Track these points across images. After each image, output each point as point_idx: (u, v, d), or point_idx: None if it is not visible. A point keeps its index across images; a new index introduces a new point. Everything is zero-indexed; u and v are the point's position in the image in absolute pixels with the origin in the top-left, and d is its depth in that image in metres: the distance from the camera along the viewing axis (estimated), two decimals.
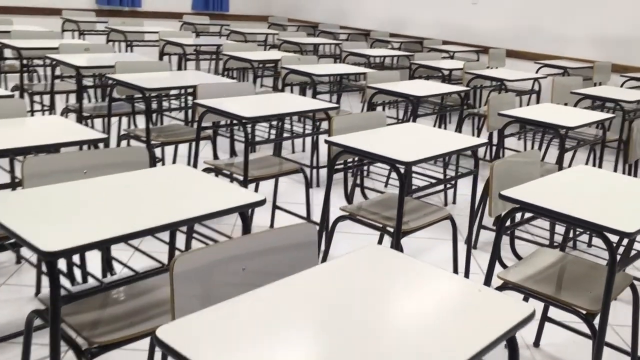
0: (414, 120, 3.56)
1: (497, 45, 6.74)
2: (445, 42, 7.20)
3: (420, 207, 2.60)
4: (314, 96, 4.13)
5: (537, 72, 5.92)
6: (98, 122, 4.45)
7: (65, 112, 3.91)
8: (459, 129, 4.17)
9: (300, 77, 4.25)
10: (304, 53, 6.39)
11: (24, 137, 2.00)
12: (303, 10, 9.14)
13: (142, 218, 1.42)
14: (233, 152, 3.65)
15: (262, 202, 1.58)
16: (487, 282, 1.97)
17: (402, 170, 2.20)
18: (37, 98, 4.67)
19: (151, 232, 1.39)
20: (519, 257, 2.17)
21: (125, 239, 1.34)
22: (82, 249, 1.26)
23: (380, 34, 7.79)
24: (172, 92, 3.45)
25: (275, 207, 3.50)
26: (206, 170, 2.90)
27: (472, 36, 7.03)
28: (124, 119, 4.81)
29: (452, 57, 6.59)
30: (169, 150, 4.23)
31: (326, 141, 2.32)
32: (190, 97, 3.74)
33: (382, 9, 8.00)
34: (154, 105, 3.81)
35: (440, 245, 3.29)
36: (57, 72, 3.92)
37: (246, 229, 1.70)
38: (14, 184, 2.15)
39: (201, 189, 1.64)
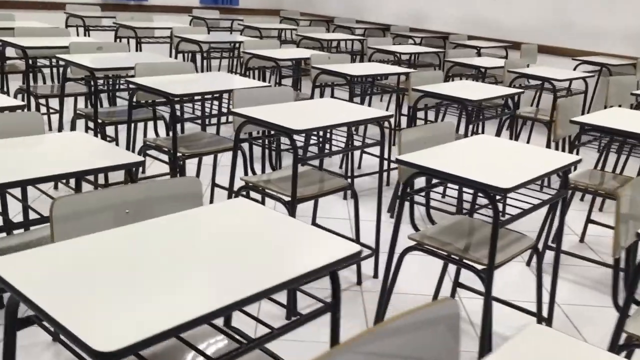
0: (470, 128, 3.19)
1: (525, 41, 6.37)
2: (470, 37, 6.82)
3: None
4: (351, 99, 3.76)
5: (574, 69, 5.55)
6: (111, 129, 4.07)
7: (76, 118, 3.54)
8: (513, 136, 3.80)
9: (330, 77, 3.88)
10: (325, 50, 6.01)
11: (45, 162, 1.64)
12: (316, 3, 8.74)
13: (225, 285, 1.07)
14: (273, 165, 3.28)
15: (358, 255, 1.23)
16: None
17: (496, 197, 1.85)
18: (42, 100, 4.30)
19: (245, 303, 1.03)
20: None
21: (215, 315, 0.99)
22: (150, 342, 0.90)
23: (400, 28, 7.41)
24: (198, 97, 3.07)
25: (315, 225, 3.19)
26: (244, 187, 2.58)
27: (498, 31, 6.65)
28: (140, 125, 4.44)
29: (479, 54, 6.22)
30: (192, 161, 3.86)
31: (397, 160, 2.03)
32: (216, 102, 3.37)
33: (401, 2, 7.62)
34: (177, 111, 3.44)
35: None
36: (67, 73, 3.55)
37: (335, 293, 1.32)
38: (28, 223, 1.78)
39: (285, 236, 1.29)
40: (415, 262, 2.98)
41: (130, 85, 2.88)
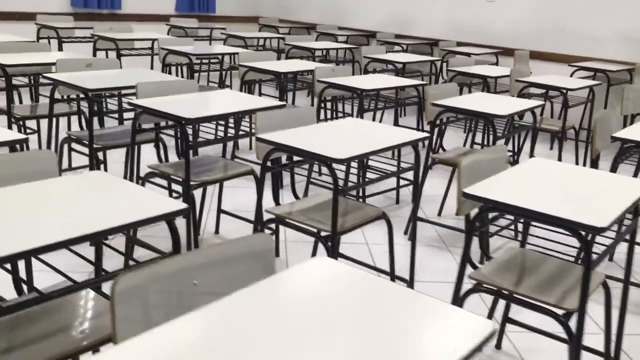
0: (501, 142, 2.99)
1: (514, 46, 6.26)
2: (459, 44, 6.68)
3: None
4: (360, 114, 3.53)
5: (571, 75, 5.45)
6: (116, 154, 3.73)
7: (68, 141, 3.22)
8: (533, 151, 3.62)
9: (333, 90, 3.64)
10: (312, 59, 5.78)
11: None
12: (294, 10, 8.51)
13: (53, 229, 1.28)
14: (296, 194, 3.02)
15: (186, 211, 1.43)
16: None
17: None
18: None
19: (65, 244, 1.23)
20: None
21: (34, 253, 1.18)
22: None
23: (386, 35, 7.23)
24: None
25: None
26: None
27: (488, 37, 6.53)
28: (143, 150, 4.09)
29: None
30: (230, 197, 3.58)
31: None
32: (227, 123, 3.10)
33: (385, 8, 7.44)
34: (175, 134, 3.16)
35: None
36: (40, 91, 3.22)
37: (175, 241, 1.54)
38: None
39: (123, 197, 1.50)
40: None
41: (137, 110, 2.60)
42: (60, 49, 5.59)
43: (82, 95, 3.30)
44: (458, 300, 1.90)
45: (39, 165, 1.66)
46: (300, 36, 6.48)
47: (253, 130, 2.60)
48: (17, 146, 1.93)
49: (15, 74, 3.60)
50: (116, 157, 4.23)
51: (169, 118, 2.51)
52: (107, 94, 3.33)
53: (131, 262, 2.69)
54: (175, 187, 3.38)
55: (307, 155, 2.10)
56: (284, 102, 2.81)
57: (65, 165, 3.90)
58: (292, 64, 4.24)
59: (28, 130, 4.21)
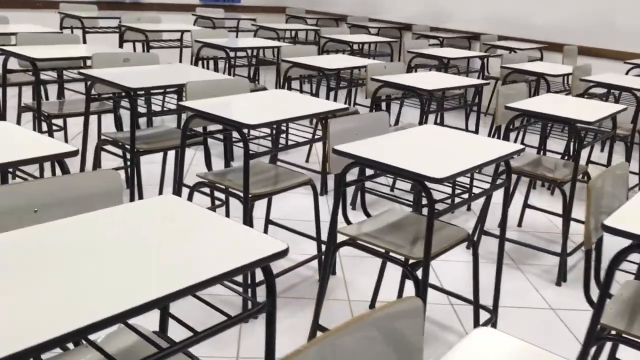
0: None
1: (560, 41, 5.92)
2: (501, 38, 6.34)
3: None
4: (424, 118, 3.23)
5: (626, 73, 5.11)
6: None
7: (103, 143, 2.94)
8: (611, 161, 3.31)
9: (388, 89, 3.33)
10: (356, 54, 5.46)
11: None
12: (322, 0, 8.18)
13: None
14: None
15: (285, 253, 1.17)
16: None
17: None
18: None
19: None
20: (367, 214, 2.20)
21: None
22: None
23: (421, 27, 6.90)
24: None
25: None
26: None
27: (530, 31, 6.18)
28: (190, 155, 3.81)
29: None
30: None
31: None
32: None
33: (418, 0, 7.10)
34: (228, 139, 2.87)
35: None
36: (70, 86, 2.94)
37: (270, 284, 1.25)
38: None
39: (203, 234, 1.21)
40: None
41: (188, 112, 2.31)
42: (84, 39, 5.31)
43: (117, 92, 3.02)
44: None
45: (103, 187, 1.37)
46: (333, 28, 6.17)
47: (317, 136, 2.33)
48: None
49: (44, 68, 3.33)
50: (148, 158, 3.95)
51: (228, 123, 2.22)
52: (145, 92, 3.04)
53: None
54: (218, 193, 3.09)
55: (399, 174, 1.82)
56: (350, 106, 2.53)
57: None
58: (337, 60, 3.94)
59: (54, 127, 3.94)
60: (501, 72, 4.34)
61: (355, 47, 5.37)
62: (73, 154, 1.65)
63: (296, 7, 8.33)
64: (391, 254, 1.95)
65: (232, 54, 4.25)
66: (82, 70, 2.74)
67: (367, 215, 2.27)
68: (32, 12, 6.05)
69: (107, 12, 6.11)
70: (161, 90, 2.90)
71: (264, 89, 3.19)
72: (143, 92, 2.88)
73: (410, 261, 1.92)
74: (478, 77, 5.61)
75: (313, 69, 3.72)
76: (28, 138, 1.72)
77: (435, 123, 3.44)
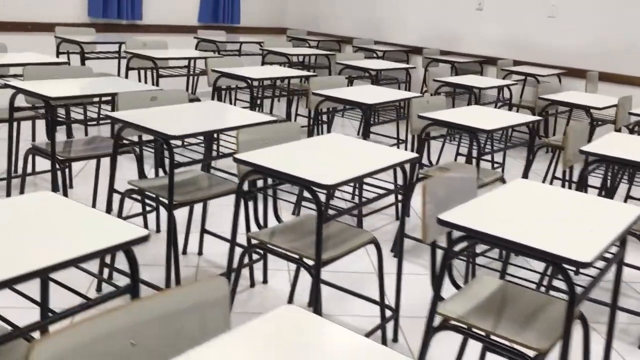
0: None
1: (578, 66, 5.74)
2: (516, 63, 6.14)
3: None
4: (479, 163, 2.96)
5: None
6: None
7: (129, 193, 2.60)
8: None
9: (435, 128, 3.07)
10: (366, 79, 5.19)
11: None
12: (324, 22, 7.92)
13: None
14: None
15: (145, 239, 1.32)
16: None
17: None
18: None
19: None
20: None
21: None
22: None
23: (432, 51, 6.68)
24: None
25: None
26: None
27: (547, 55, 5.99)
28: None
29: (538, 82, 5.55)
30: None
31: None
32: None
33: (428, 22, 6.88)
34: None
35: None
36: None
37: (134, 274, 1.38)
38: None
39: (72, 223, 1.36)
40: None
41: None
42: (82, 64, 4.95)
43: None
44: (427, 339, 1.80)
45: None
46: (347, 54, 5.91)
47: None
48: None
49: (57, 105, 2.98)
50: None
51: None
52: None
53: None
54: (149, 200, 3.00)
55: (291, 181, 1.96)
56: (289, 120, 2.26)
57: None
58: (374, 93, 3.65)
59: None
60: (536, 103, 4.10)
61: (366, 74, 5.10)
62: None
63: (297, 28, 8.06)
64: (291, 254, 2.11)
65: (255, 84, 3.94)
66: (110, 114, 2.40)
67: (279, 221, 2.43)
68: (24, 35, 5.66)
69: (105, 34, 5.76)
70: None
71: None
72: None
73: (309, 262, 2.03)
74: (510, 109, 5.37)
75: (351, 104, 3.43)
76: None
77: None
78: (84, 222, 1.38)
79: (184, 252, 3.14)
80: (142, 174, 3.00)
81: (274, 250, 2.15)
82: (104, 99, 3.11)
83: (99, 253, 1.25)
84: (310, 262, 2.02)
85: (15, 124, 3.63)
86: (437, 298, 1.74)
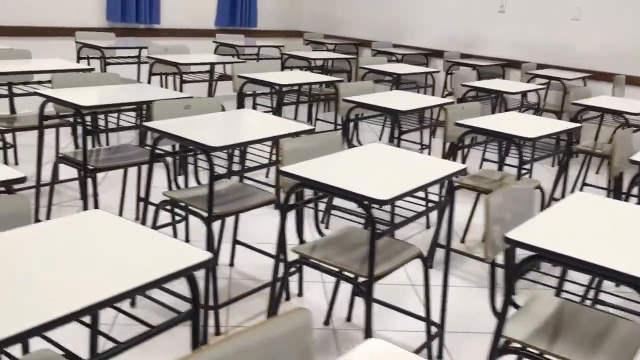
0: None
1: (604, 70, 5.64)
2: (540, 66, 6.05)
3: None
4: (520, 172, 2.87)
5: None
6: None
7: (164, 204, 2.53)
8: None
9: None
10: (394, 86, 5.11)
11: None
12: (340, 24, 7.84)
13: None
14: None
15: (210, 262, 1.28)
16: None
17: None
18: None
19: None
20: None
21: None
22: None
23: (453, 54, 6.59)
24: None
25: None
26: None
27: (571, 58, 5.90)
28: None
29: (564, 87, 5.46)
30: None
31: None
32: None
33: (448, 25, 6.80)
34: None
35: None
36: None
37: (195, 293, 1.31)
38: None
39: (129, 247, 1.29)
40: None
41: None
42: (103, 70, 4.90)
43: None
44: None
45: None
46: (370, 57, 5.83)
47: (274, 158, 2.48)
48: None
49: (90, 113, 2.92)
50: None
51: (195, 145, 1.83)
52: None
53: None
54: (179, 209, 2.94)
55: (343, 195, 1.83)
56: (313, 127, 2.38)
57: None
58: (404, 98, 3.57)
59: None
60: (565, 107, 4.01)
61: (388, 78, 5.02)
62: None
63: (313, 31, 7.99)
64: (343, 272, 2.02)
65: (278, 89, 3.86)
66: (149, 124, 2.33)
67: (320, 234, 2.35)
68: (43, 39, 5.62)
69: (124, 39, 5.70)
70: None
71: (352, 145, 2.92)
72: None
73: (360, 279, 1.96)
74: (536, 113, 5.28)
75: (384, 111, 3.35)
76: None
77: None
78: (142, 244, 1.31)
79: (216, 263, 3.08)
80: (172, 184, 3.01)
81: (319, 265, 2.06)
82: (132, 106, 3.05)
83: (164, 280, 1.18)
84: (360, 279, 1.95)
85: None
86: (502, 321, 1.65)
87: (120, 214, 3.56)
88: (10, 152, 4.44)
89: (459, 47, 6.72)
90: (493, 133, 2.82)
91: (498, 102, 4.51)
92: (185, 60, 4.44)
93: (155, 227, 2.65)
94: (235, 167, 3.86)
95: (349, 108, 3.48)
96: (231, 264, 3.09)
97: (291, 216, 3.54)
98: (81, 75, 3.24)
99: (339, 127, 4.48)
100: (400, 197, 1.78)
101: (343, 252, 2.13)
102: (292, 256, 2.15)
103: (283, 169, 1.94)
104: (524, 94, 4.95)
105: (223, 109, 2.85)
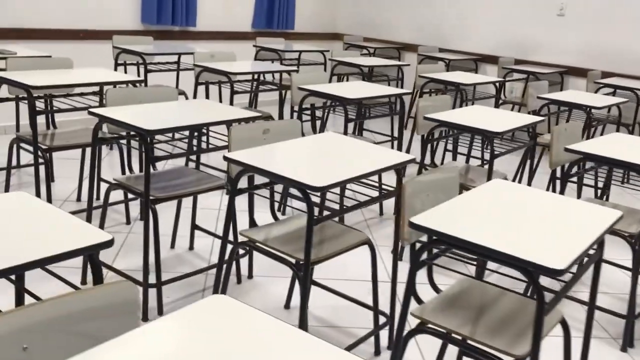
0: None
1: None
2: (606, 75, 5.62)
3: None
4: (491, 165, 2.49)
5: None
6: None
7: (114, 187, 2.17)
8: None
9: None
10: (442, 93, 4.72)
11: None
12: (379, 27, 7.45)
13: None
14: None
15: (110, 244, 1.30)
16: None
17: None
18: None
19: None
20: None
21: None
22: None
23: (506, 60, 6.18)
24: None
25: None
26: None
27: (633, 64, 5.47)
28: None
29: (613, 93, 5.06)
30: None
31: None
32: None
33: (500, 29, 6.38)
34: None
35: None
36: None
37: (97, 275, 1.37)
38: None
39: (39, 226, 1.35)
40: None
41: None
42: (145, 78, 4.55)
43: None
44: (400, 343, 1.75)
45: None
46: (430, 65, 5.44)
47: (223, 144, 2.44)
48: None
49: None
50: None
51: (133, 130, 1.47)
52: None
53: None
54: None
55: (280, 181, 1.89)
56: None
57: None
58: (491, 116, 3.18)
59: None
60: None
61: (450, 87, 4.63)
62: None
63: (351, 33, 7.60)
64: (284, 256, 2.05)
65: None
66: (230, 155, 1.97)
67: (275, 219, 2.39)
68: (77, 43, 5.28)
69: (162, 43, 5.35)
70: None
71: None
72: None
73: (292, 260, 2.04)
74: (618, 129, 4.89)
75: (474, 132, 2.97)
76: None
77: None
78: (53, 225, 1.36)
79: (172, 247, 3.15)
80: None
81: (263, 250, 2.11)
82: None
83: (64, 256, 1.23)
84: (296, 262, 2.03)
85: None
86: (408, 302, 1.71)
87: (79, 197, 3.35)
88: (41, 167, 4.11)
89: (512, 52, 6.31)
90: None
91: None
92: (235, 68, 4.08)
93: (105, 210, 2.75)
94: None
95: (429, 127, 3.10)
96: (191, 248, 3.17)
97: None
98: (136, 92, 2.88)
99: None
100: (336, 184, 1.81)
101: (288, 237, 2.17)
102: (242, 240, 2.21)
103: (228, 155, 1.98)
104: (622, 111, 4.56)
105: (303, 134, 2.48)
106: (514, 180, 3.99)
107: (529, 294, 2.38)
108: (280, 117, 4.54)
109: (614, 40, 5.59)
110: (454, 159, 4.39)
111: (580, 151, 2.50)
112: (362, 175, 1.95)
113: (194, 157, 3.23)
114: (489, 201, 1.78)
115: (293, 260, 2.06)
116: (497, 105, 5.75)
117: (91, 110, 2.45)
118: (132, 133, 2.65)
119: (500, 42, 6.40)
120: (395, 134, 4.26)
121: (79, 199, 3.67)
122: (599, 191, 3.33)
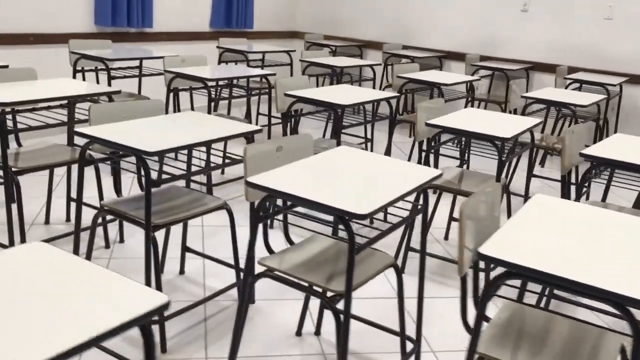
0: None
1: (633, 72, 5.32)
2: (572, 70, 5.67)
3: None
4: (339, 137, 2.43)
5: None
6: None
7: (105, 214, 1.96)
8: None
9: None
10: (422, 93, 4.61)
11: None
12: (340, 24, 7.29)
13: None
14: None
15: (165, 307, 1.06)
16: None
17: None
18: None
19: None
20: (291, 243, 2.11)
21: None
22: None
23: (472, 58, 6.15)
24: None
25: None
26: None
27: (603, 61, 5.55)
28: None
29: (608, 92, 5.09)
30: None
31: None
32: None
33: (465, 25, 6.35)
34: None
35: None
36: None
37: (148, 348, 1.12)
38: None
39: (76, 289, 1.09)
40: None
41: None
42: (109, 86, 4.23)
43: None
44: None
45: None
46: (405, 65, 5.32)
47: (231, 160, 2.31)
48: None
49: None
50: None
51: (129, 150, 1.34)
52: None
53: None
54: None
55: (319, 208, 1.68)
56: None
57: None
58: (492, 120, 3.08)
59: None
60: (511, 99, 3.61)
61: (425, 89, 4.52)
62: None
63: (311, 31, 7.42)
64: (315, 288, 1.89)
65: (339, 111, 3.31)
66: (252, 180, 1.76)
67: (290, 243, 2.23)
68: (26, 48, 4.87)
69: (120, 45, 5.01)
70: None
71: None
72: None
73: (329, 294, 1.85)
74: (600, 127, 4.89)
75: (483, 138, 2.85)
76: None
77: None
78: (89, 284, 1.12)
79: (162, 271, 2.91)
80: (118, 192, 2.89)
81: (288, 280, 1.92)
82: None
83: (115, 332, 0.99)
84: (329, 293, 1.86)
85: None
86: (476, 338, 1.55)
87: (162, 268, 2.97)
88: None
89: (478, 48, 6.28)
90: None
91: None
92: (211, 74, 3.83)
93: (93, 239, 2.75)
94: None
95: (431, 132, 2.97)
96: (181, 272, 2.94)
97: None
98: (119, 106, 2.61)
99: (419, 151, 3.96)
100: (379, 210, 1.69)
101: (312, 264, 2.01)
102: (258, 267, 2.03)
103: (249, 179, 1.79)
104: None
105: (315, 153, 2.29)
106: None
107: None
108: (249, 120, 4.31)
109: (577, 35, 5.64)
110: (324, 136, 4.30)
111: (599, 157, 2.43)
112: (400, 197, 1.81)
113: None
114: (541, 222, 1.68)
115: (320, 290, 1.90)
116: (467, 105, 5.70)
117: (78, 130, 2.18)
118: (121, 153, 2.39)
119: (465, 38, 6.36)
120: (369, 136, 4.15)
121: (47, 222, 3.35)
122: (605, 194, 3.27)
